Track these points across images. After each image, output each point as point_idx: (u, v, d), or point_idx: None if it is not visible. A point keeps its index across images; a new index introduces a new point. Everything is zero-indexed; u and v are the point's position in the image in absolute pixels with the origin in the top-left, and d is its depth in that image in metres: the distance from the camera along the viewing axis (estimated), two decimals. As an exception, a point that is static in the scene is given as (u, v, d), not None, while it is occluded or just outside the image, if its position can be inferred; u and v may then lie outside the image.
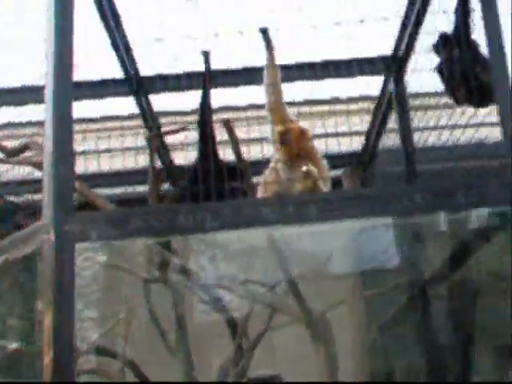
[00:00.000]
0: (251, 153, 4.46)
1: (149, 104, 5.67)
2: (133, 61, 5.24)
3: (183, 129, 5.50)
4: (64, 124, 3.67)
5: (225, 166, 4.26)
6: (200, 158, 4.10)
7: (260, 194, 4.04)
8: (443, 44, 4.07)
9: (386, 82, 5.68)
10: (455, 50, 3.93)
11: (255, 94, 4.21)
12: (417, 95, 5.14)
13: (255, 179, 4.28)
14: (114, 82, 5.31)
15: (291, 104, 4.70)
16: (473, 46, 3.93)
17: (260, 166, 4.21)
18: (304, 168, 3.87)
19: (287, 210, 3.58)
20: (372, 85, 5.89)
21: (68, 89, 3.72)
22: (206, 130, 4.21)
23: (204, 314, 6.44)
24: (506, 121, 3.61)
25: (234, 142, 4.41)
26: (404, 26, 5.11)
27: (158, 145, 5.76)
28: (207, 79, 4.34)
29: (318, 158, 4.11)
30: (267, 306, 5.32)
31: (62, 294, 3.43)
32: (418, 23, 4.86)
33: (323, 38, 4.97)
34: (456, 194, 3.55)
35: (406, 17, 5.02)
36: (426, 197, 3.56)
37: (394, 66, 5.38)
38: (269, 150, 4.18)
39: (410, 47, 5.17)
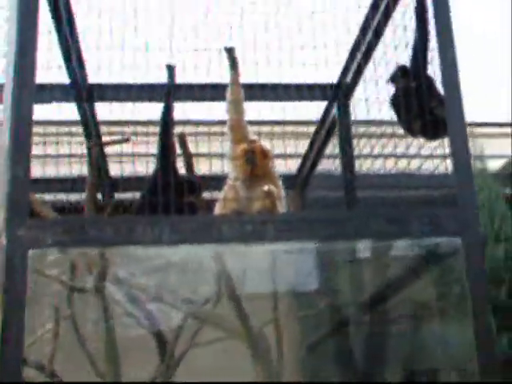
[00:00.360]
0: (212, 168, 4.47)
1: (93, 112, 5.59)
2: (82, 67, 5.17)
3: (126, 140, 5.45)
4: (23, 125, 3.59)
5: (184, 179, 4.25)
6: (159, 170, 4.08)
7: (218, 210, 4.06)
8: (401, 75, 4.20)
9: (329, 108, 5.79)
10: (412, 82, 4.06)
11: (217, 109, 4.20)
12: (361, 122, 5.28)
13: (214, 194, 4.29)
14: (62, 86, 5.21)
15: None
16: (429, 81, 4.08)
17: (220, 181, 4.22)
18: (265, 187, 3.90)
19: (245, 229, 3.60)
20: (312, 109, 5.99)
21: (30, 89, 3.65)
22: (167, 142, 4.20)
23: (127, 328, 6.36)
24: (458, 154, 3.77)
25: (187, 156, 4.42)
26: (353, 54, 5.23)
27: (97, 154, 5.70)
28: (171, 93, 4.33)
29: (276, 177, 4.17)
30: (201, 322, 5.31)
31: (11, 303, 3.34)
32: (368, 53, 4.98)
33: (275, 61, 5.03)
34: (411, 221, 3.66)
35: (356, 46, 5.14)
36: (380, 223, 3.66)
37: (340, 92, 5.49)
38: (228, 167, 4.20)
39: (357, 75, 5.29)
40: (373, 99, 4.69)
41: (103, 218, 3.90)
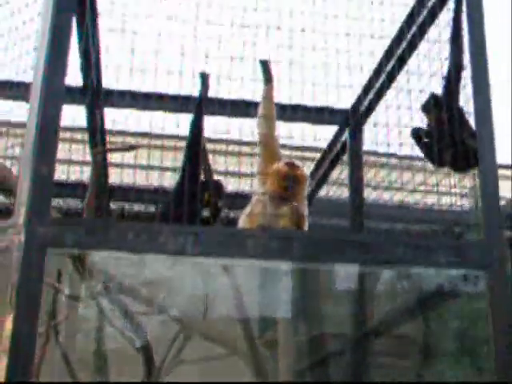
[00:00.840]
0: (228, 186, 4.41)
1: (102, 118, 5.50)
2: (98, 71, 5.08)
3: (133, 148, 5.37)
4: (51, 124, 3.51)
5: (208, 181, 4.18)
6: (186, 179, 3.98)
7: (243, 224, 3.98)
8: (434, 105, 4.18)
9: (340, 133, 5.76)
10: (444, 112, 4.04)
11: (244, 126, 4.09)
12: (372, 153, 5.26)
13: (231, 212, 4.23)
14: (73, 90, 5.11)
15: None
16: (460, 111, 4.07)
17: (237, 199, 4.16)
18: (294, 203, 3.85)
19: (271, 245, 3.53)
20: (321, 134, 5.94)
21: (60, 89, 3.57)
22: (196, 152, 4.10)
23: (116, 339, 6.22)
24: (488, 185, 3.76)
25: (206, 164, 4.35)
26: (372, 79, 5.22)
27: (101, 160, 5.62)
28: (202, 102, 4.24)
29: (304, 198, 4.12)
30: (201, 336, 5.22)
31: (26, 301, 3.23)
32: (390, 80, 4.97)
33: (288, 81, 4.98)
34: (437, 251, 3.62)
35: (377, 71, 5.12)
36: (407, 250, 3.62)
37: (353, 118, 5.46)
38: (245, 184, 4.15)
39: (374, 102, 5.26)
40: (390, 126, 4.63)
41: (127, 223, 3.76)
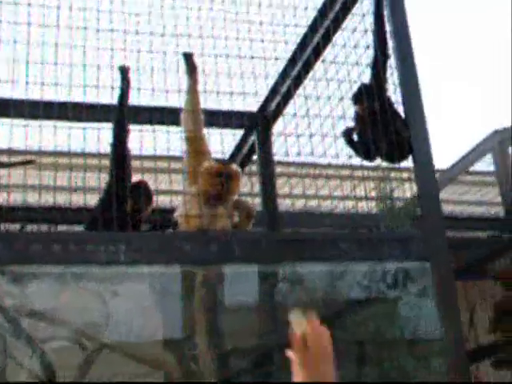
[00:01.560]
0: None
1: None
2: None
3: (30, 162, 4.97)
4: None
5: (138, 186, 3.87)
6: (113, 181, 3.65)
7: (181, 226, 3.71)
8: (364, 95, 4.06)
9: (245, 137, 5.59)
10: (375, 101, 3.95)
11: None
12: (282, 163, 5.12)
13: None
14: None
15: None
16: (389, 101, 4.00)
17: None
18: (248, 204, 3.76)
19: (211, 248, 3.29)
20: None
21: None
22: (122, 151, 3.77)
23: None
24: (424, 175, 3.70)
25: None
26: (277, 85, 5.09)
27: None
28: (125, 96, 3.89)
29: (237, 195, 3.92)
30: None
31: None
32: (296, 85, 4.85)
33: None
34: (382, 246, 3.51)
35: (282, 77, 5.00)
36: (351, 246, 3.48)
37: (260, 123, 5.30)
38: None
39: (280, 108, 5.13)
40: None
41: (49, 234, 3.39)
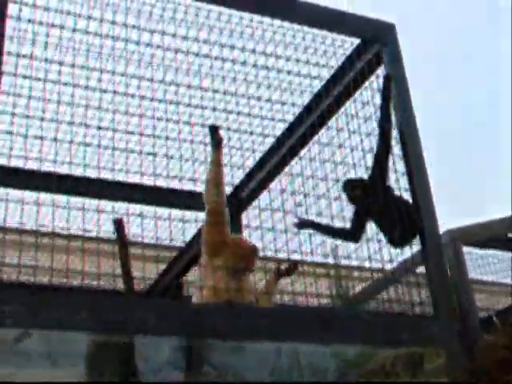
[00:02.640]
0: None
1: None
2: None
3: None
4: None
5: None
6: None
7: (202, 299, 3.56)
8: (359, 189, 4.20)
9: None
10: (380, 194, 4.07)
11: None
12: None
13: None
14: None
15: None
16: (390, 190, 4.12)
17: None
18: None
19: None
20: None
21: None
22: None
23: None
24: (434, 266, 3.77)
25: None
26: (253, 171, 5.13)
27: None
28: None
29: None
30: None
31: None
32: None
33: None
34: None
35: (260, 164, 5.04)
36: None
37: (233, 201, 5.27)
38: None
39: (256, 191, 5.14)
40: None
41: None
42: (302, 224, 4.18)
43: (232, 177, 4.55)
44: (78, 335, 3.04)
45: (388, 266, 4.18)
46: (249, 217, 5.20)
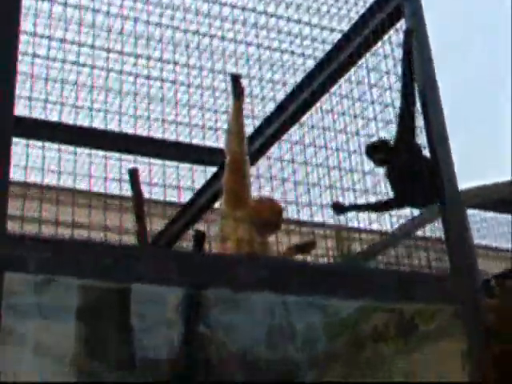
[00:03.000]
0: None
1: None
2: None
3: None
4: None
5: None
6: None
7: (224, 249, 3.52)
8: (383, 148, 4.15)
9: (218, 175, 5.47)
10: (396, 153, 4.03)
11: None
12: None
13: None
14: None
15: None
16: (418, 147, 4.06)
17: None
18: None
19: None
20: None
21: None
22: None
23: None
24: (454, 223, 3.75)
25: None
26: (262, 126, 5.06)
27: None
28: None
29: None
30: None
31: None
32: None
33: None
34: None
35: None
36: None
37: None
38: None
39: (262, 149, 5.07)
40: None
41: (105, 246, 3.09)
42: (341, 209, 4.14)
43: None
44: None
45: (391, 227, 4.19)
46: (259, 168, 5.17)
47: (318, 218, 4.04)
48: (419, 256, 4.44)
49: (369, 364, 4.11)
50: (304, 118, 4.71)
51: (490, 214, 7.20)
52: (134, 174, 4.06)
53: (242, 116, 3.84)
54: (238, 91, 3.83)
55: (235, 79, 3.85)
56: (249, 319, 3.68)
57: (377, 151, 4.15)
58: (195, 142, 4.91)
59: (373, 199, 4.02)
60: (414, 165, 3.93)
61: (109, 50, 3.94)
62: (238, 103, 3.86)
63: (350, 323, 3.99)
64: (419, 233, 4.96)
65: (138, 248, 3.14)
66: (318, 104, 4.61)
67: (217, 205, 5.70)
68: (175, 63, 4.06)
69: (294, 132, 4.84)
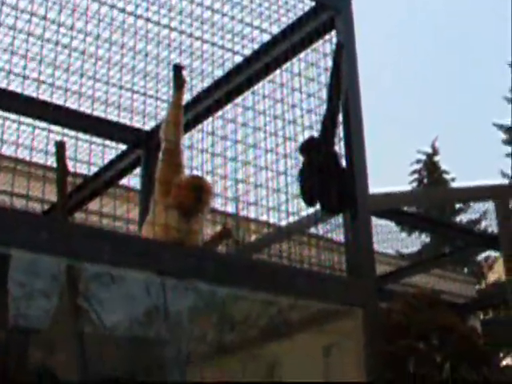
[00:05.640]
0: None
1: None
2: None
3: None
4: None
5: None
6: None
7: (151, 234, 3.65)
8: (311, 147, 4.35)
9: (128, 153, 5.62)
10: (320, 155, 4.25)
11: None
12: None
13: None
14: None
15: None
16: (335, 156, 4.32)
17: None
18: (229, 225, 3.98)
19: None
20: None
21: None
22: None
23: None
24: (362, 231, 4.09)
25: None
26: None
27: None
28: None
29: (206, 214, 3.98)
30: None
31: None
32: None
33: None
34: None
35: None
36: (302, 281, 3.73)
37: (152, 143, 5.35)
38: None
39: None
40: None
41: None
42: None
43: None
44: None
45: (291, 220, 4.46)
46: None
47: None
48: (311, 254, 4.72)
49: (233, 347, 4.40)
50: (223, 111, 4.90)
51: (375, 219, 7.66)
52: (61, 146, 4.13)
53: (181, 106, 4.01)
54: (179, 82, 3.99)
55: (178, 70, 4.01)
56: (125, 296, 3.86)
57: (308, 148, 4.35)
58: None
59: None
60: (329, 169, 4.20)
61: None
62: (179, 93, 4.03)
63: (223, 308, 4.25)
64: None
65: (16, 213, 3.19)
66: (239, 99, 4.83)
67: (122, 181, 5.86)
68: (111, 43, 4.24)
69: (208, 124, 5.04)
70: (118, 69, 4.63)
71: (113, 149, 5.57)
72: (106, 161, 5.61)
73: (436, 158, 27.81)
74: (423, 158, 27.77)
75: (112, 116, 5.09)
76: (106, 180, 5.74)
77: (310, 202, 4.26)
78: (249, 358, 4.31)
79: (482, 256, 22.57)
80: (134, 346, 4.18)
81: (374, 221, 7.34)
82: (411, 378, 6.43)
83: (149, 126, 5.43)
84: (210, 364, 4.34)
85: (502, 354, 15.72)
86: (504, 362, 15.31)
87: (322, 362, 4.23)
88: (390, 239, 8.46)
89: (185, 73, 4.06)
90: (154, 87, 4.29)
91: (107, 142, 5.33)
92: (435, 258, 11.17)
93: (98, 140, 5.17)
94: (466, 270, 22.67)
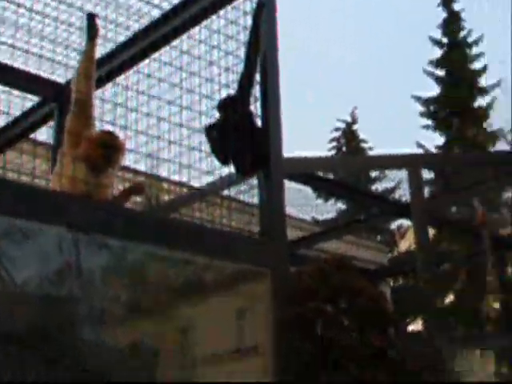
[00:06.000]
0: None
1: None
2: None
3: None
4: None
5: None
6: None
7: (58, 186, 3.55)
8: (228, 105, 4.30)
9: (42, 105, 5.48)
10: (236, 113, 4.22)
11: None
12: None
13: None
14: None
15: None
16: (251, 115, 4.30)
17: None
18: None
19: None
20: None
21: None
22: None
23: None
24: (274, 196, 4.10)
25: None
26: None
27: None
28: None
29: (119, 167, 3.90)
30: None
31: None
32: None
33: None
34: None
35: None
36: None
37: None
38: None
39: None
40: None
41: None
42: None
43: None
44: None
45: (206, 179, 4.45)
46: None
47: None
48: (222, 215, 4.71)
49: (147, 308, 4.38)
50: (141, 65, 4.82)
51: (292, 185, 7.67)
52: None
53: (93, 57, 3.91)
54: (92, 32, 3.88)
55: (91, 19, 3.90)
56: (37, 253, 3.78)
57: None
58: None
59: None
60: (244, 128, 4.18)
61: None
62: (91, 44, 3.92)
63: (137, 267, 4.21)
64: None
65: None
66: (156, 54, 4.75)
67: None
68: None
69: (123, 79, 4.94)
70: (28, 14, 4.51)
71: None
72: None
73: (355, 127, 28.09)
74: (342, 126, 28.00)
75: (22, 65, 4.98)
76: (16, 133, 5.60)
77: (224, 161, 4.24)
78: (162, 320, 4.29)
79: (395, 225, 23.06)
80: (46, 303, 4.11)
81: (290, 185, 7.38)
82: (319, 341, 6.50)
83: (64, 78, 5.28)
84: (124, 324, 4.31)
85: (408, 320, 16.18)
86: (410, 328, 15.75)
87: (234, 325, 4.26)
88: (306, 205, 8.50)
89: (98, 22, 3.94)
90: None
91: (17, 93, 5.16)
92: (348, 224, 11.32)
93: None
94: (379, 238, 23.12)
